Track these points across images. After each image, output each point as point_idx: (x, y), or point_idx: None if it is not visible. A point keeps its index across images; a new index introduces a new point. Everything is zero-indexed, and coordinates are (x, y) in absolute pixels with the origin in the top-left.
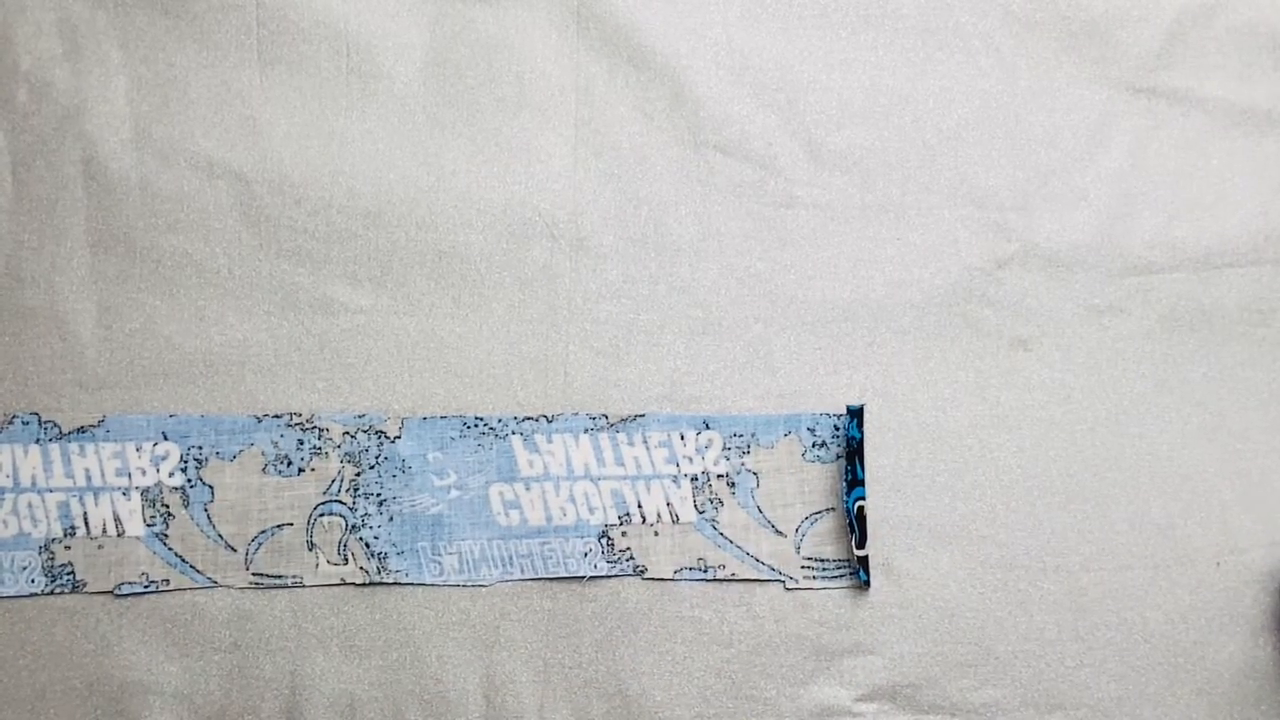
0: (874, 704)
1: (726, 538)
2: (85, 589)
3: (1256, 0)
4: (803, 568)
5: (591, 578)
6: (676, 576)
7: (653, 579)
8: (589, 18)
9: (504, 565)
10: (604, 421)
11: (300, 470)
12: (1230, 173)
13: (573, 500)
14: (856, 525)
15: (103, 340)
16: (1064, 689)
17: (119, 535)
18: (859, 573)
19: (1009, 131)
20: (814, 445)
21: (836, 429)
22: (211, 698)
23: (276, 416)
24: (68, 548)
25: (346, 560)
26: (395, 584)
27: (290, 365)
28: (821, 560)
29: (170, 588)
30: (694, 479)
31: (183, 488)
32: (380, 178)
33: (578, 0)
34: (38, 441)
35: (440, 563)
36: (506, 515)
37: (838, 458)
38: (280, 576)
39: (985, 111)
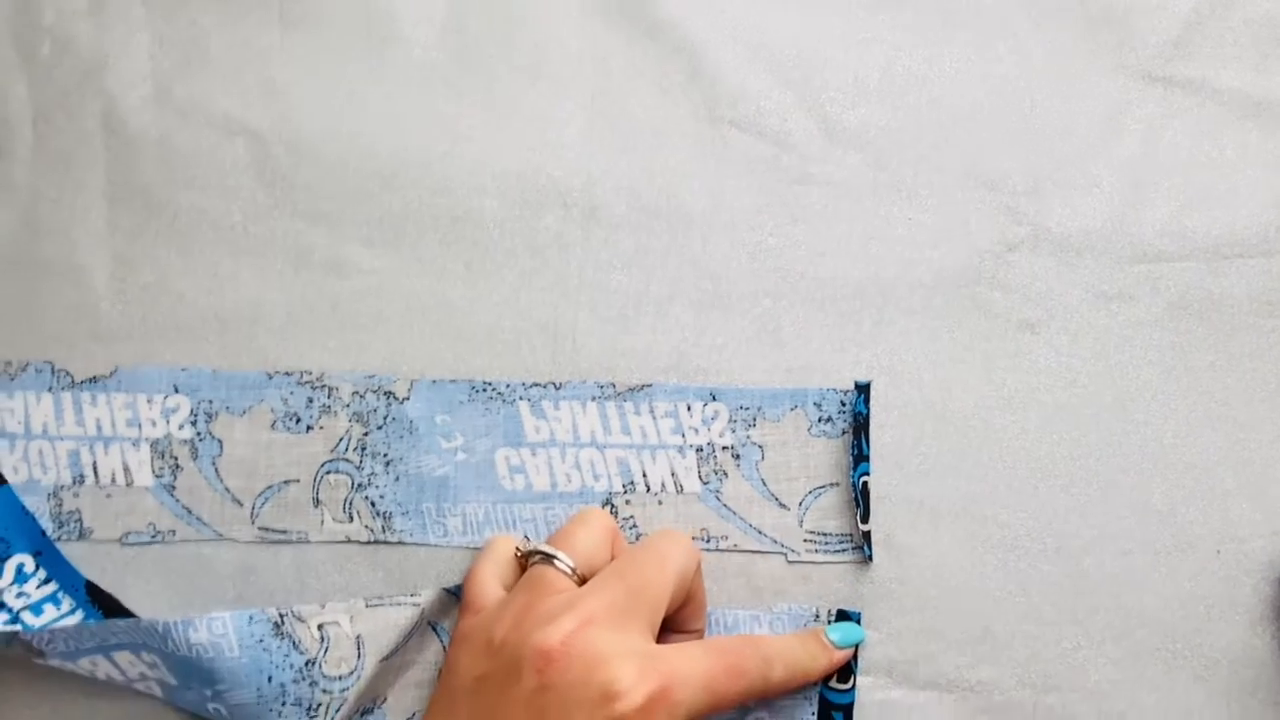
0: (869, 677)
1: (730, 509)
2: (92, 536)
3: None
4: (805, 541)
5: None
6: None
7: None
8: None
9: (507, 528)
10: (611, 390)
11: (309, 428)
12: (1243, 163)
13: (578, 467)
14: (861, 500)
15: (117, 293)
16: (1061, 670)
17: (127, 485)
18: (863, 548)
19: (1023, 116)
20: (820, 420)
21: (843, 405)
22: None
23: (287, 374)
24: (76, 495)
25: (352, 518)
26: (400, 543)
27: (302, 324)
28: (824, 534)
29: (176, 539)
30: (699, 450)
31: (192, 440)
32: (396, 142)
33: None
34: (50, 390)
35: (444, 524)
36: (511, 480)
37: (843, 433)
38: (285, 532)
39: (1000, 96)
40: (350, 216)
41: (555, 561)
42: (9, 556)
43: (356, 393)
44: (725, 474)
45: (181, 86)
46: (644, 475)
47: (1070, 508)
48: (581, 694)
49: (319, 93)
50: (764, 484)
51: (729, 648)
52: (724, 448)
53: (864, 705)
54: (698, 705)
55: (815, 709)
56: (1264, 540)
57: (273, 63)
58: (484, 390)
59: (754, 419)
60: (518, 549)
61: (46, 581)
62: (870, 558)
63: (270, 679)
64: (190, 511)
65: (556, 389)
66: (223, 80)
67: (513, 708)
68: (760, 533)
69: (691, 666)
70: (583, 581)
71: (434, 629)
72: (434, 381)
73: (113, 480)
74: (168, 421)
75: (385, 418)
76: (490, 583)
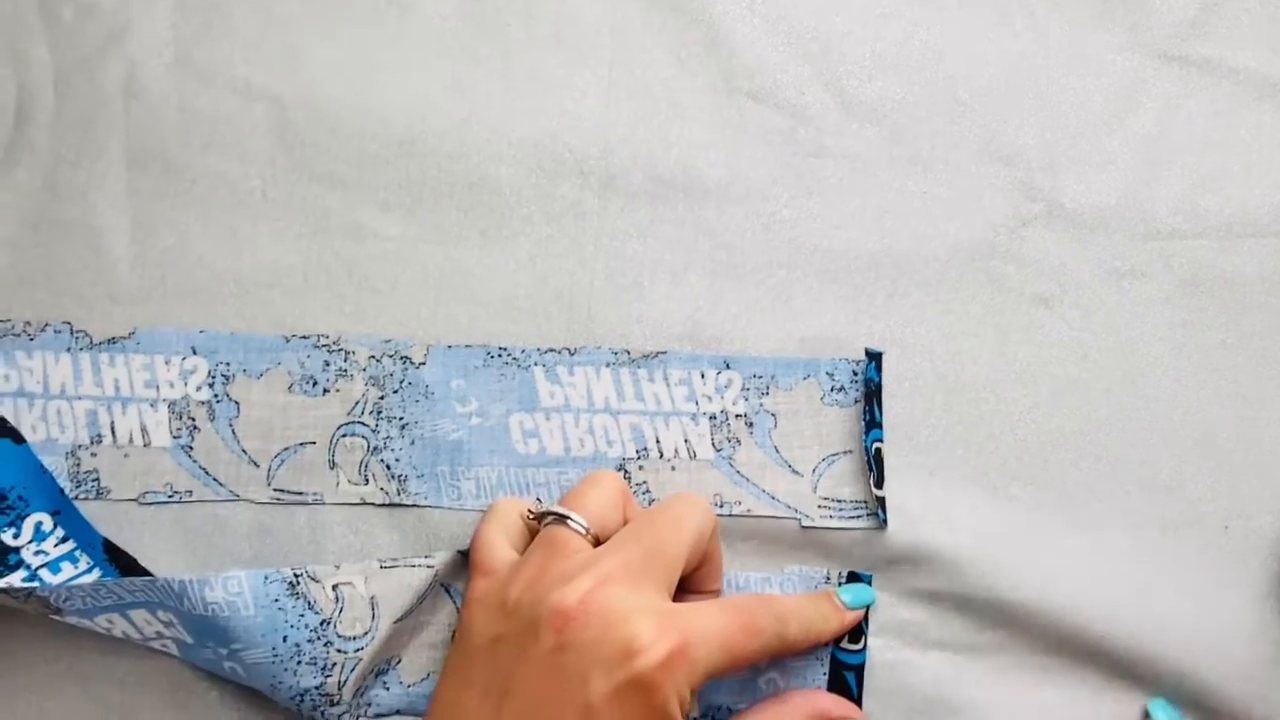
0: (879, 639)
1: (743, 475)
2: (109, 496)
3: None
4: (820, 507)
5: None
6: None
7: None
8: None
9: (520, 492)
10: (625, 357)
11: (325, 391)
12: (1257, 143)
13: (591, 432)
14: (874, 466)
15: (136, 255)
16: (1070, 639)
17: (145, 445)
18: (877, 513)
19: (1039, 92)
20: (832, 389)
21: (855, 374)
22: None
23: (304, 337)
24: (94, 455)
25: (367, 480)
26: (414, 506)
27: (319, 288)
28: (838, 500)
29: (193, 499)
30: (713, 417)
31: (209, 402)
32: (414, 108)
33: None
34: (69, 350)
35: (458, 487)
36: (525, 444)
37: (855, 402)
38: (301, 493)
39: (1016, 72)
40: (368, 182)
41: (569, 522)
42: (28, 514)
43: (373, 357)
44: (738, 441)
45: (202, 52)
46: (657, 441)
47: (1079, 481)
48: (600, 652)
49: (338, 59)
50: (777, 451)
51: (745, 606)
52: (737, 415)
53: (874, 666)
54: (715, 662)
55: (827, 669)
56: (1272, 517)
57: (293, 29)
58: (499, 355)
59: (767, 387)
60: (530, 511)
61: (64, 540)
62: (885, 522)
63: (285, 638)
64: (207, 472)
65: (571, 355)
66: (243, 46)
67: (530, 667)
68: (774, 498)
69: (709, 624)
70: (596, 542)
71: (447, 591)
72: (450, 347)
73: (130, 440)
74: (185, 383)
75: (401, 382)
76: (500, 545)
